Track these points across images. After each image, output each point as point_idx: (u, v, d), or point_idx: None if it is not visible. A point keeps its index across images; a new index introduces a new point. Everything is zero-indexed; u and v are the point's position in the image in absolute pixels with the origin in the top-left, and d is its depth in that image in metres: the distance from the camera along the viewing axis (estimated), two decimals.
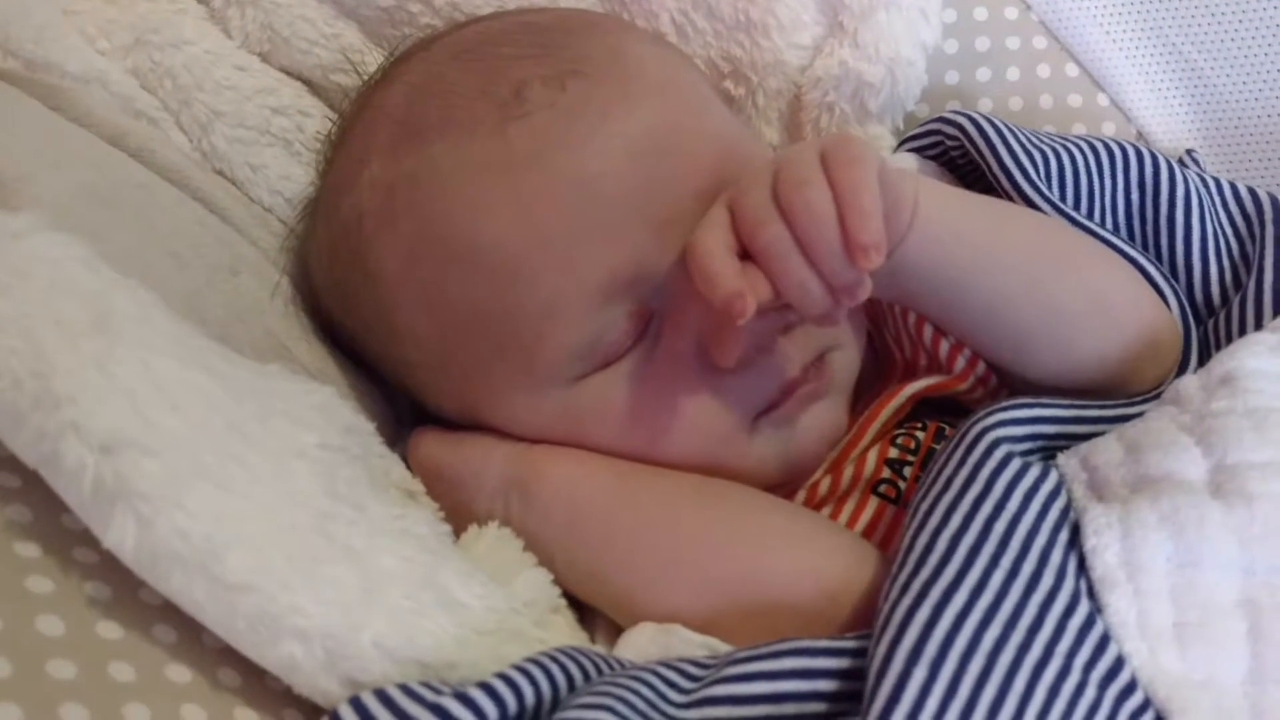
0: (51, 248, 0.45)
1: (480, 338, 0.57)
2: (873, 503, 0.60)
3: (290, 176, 0.72)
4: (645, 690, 0.44)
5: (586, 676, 0.45)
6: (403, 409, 0.67)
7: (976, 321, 0.59)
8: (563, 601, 0.54)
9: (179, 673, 0.44)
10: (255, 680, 0.45)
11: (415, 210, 0.58)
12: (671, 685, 0.45)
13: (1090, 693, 0.43)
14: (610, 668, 0.46)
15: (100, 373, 0.42)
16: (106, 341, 0.43)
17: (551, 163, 0.55)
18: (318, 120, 0.73)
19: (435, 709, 0.41)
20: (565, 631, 0.52)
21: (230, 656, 0.44)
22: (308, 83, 0.75)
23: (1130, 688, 0.44)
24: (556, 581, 0.55)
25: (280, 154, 0.72)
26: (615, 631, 0.54)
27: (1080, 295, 0.59)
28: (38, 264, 0.44)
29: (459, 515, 0.57)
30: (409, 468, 0.59)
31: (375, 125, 0.61)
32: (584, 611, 0.57)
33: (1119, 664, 0.44)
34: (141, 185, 0.60)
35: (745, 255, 0.52)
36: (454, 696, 0.41)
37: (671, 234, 0.56)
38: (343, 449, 0.47)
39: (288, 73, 0.75)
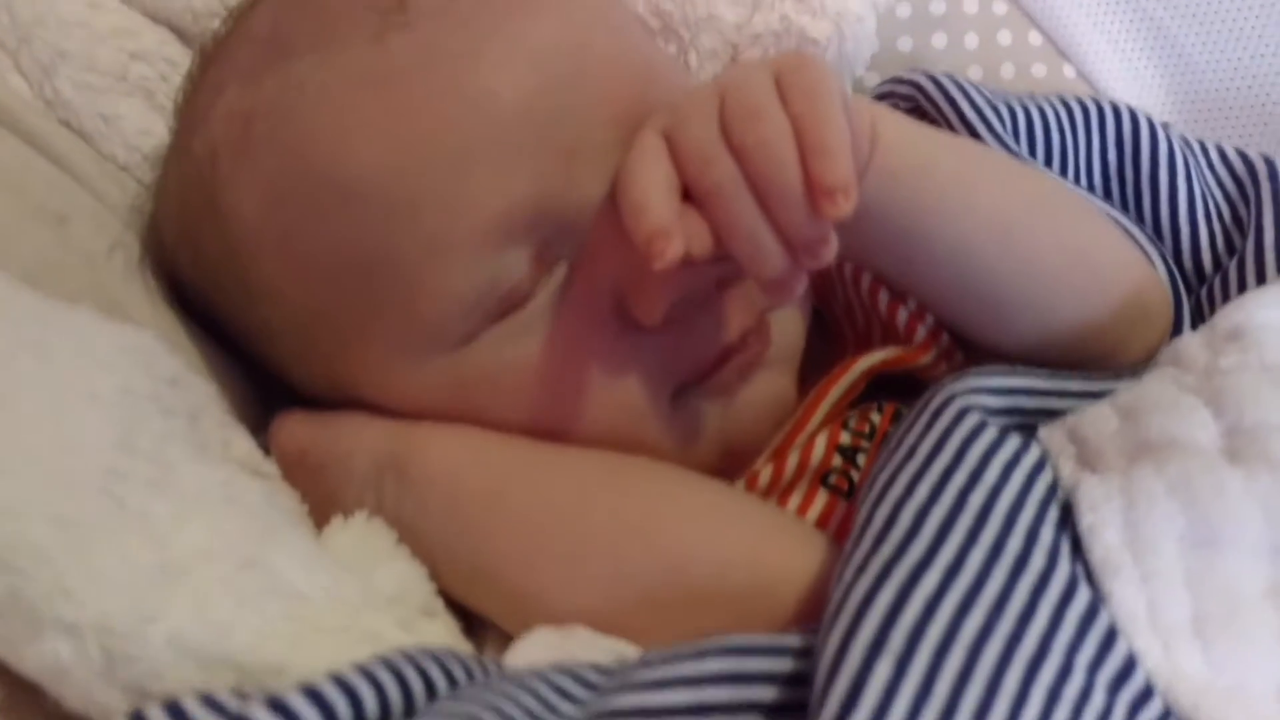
0: None
1: (351, 290, 0.48)
2: (822, 496, 0.51)
3: (151, 131, 0.62)
4: (528, 699, 0.34)
5: (453, 683, 0.35)
6: (277, 397, 0.57)
7: (942, 278, 0.50)
8: (440, 604, 0.45)
9: None
10: (23, 696, 0.34)
11: (275, 139, 0.49)
12: (564, 694, 0.35)
13: (1098, 698, 0.34)
14: (486, 673, 0.36)
15: None
16: None
17: (437, 75, 0.47)
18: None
19: None
20: (442, 641, 0.42)
21: None
22: (177, 32, 0.66)
23: (1146, 694, 0.35)
24: (438, 586, 0.45)
25: (139, 105, 0.62)
26: (508, 644, 0.45)
27: (1060, 248, 0.51)
28: None
29: (325, 508, 0.48)
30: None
31: (237, 49, 0.53)
32: (472, 622, 0.47)
33: (1130, 664, 0.36)
34: None
35: (686, 197, 0.44)
36: (266, 704, 0.31)
37: (582, 165, 0.47)
38: (154, 398, 0.37)
39: (153, 19, 0.65)
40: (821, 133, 0.41)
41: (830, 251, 0.43)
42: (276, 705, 0.31)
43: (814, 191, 0.41)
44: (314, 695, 0.32)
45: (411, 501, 0.47)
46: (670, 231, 0.41)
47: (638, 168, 0.43)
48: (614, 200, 0.45)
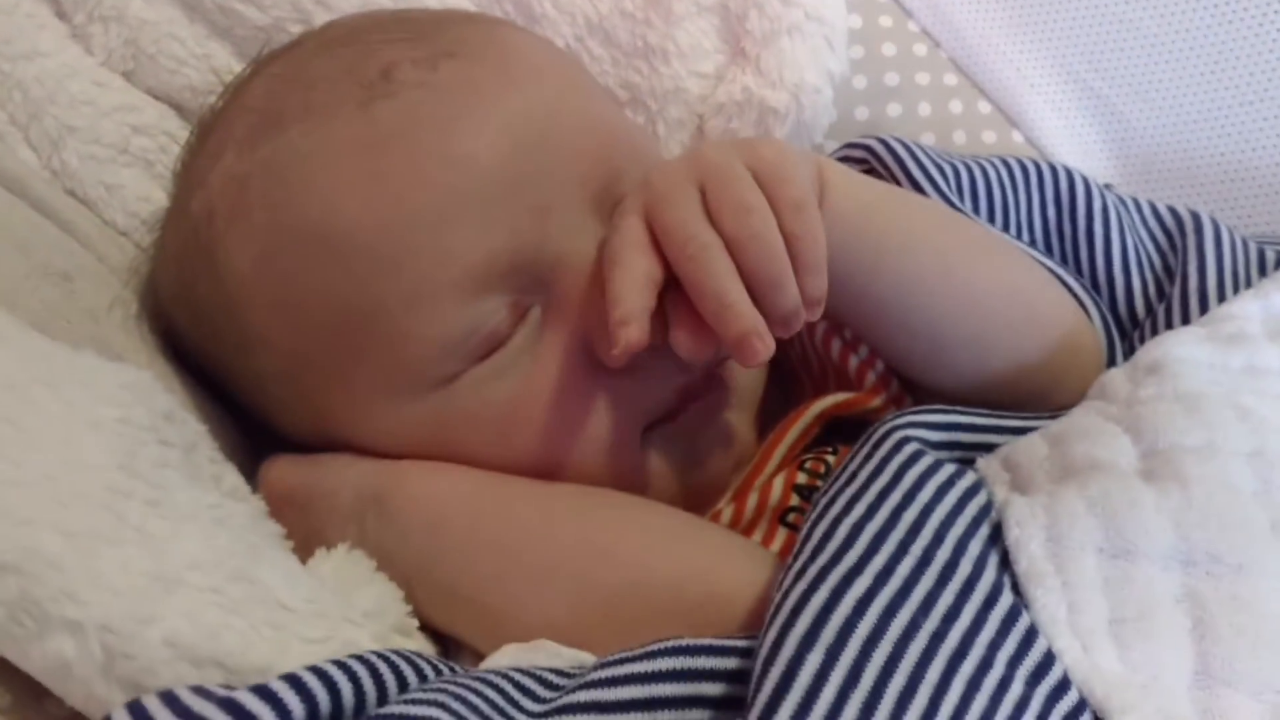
0: None
1: (339, 337, 0.52)
2: (781, 533, 0.54)
3: (150, 198, 0.66)
4: (492, 693, 0.37)
5: (423, 679, 0.38)
6: (262, 445, 0.60)
7: (887, 313, 0.54)
8: (414, 624, 0.47)
9: None
10: (28, 699, 0.37)
11: (269, 199, 0.52)
12: (526, 692, 0.38)
13: (1016, 688, 0.37)
14: (455, 672, 0.39)
15: None
16: None
17: (419, 140, 0.51)
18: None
19: (226, 704, 0.33)
20: None
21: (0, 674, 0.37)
22: (177, 108, 0.70)
23: (1063, 686, 0.38)
24: (415, 612, 0.48)
25: (140, 175, 0.66)
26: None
27: (996, 287, 0.55)
28: None
29: (309, 545, 0.50)
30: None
31: (233, 120, 0.57)
32: (446, 650, 0.50)
33: (1048, 660, 0.39)
34: None
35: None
36: (251, 690, 0.34)
37: (553, 220, 0.51)
38: (152, 429, 0.41)
39: (154, 96, 0.70)
40: (814, 252, 0.47)
41: (799, 322, 0.47)
42: (261, 691, 0.34)
43: (805, 299, 0.47)
44: (295, 682, 0.34)
45: (392, 531, 0.50)
46: (630, 321, 0.45)
47: (623, 256, 0.47)
48: (599, 262, 0.49)
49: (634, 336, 0.45)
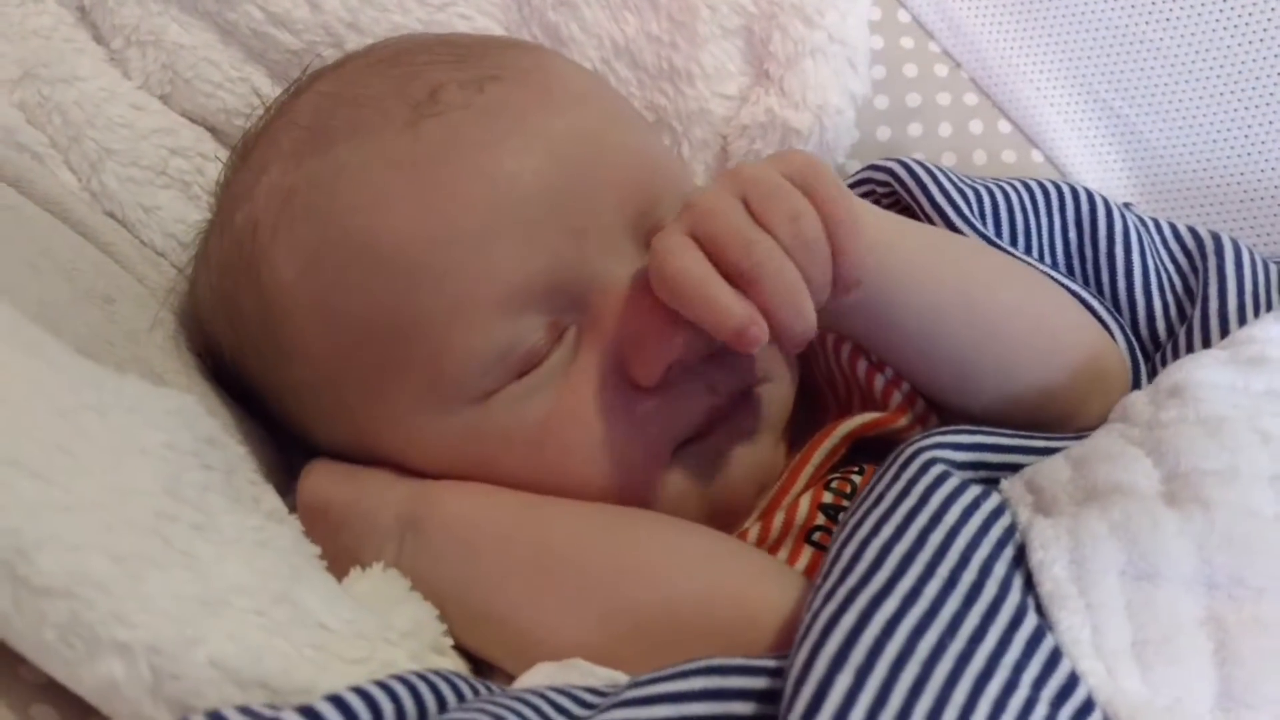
0: None
1: (378, 349, 0.53)
2: (807, 552, 0.54)
3: (186, 220, 0.68)
4: (529, 712, 0.38)
5: (461, 698, 0.39)
6: (297, 462, 0.61)
7: (912, 342, 0.55)
8: (449, 644, 0.48)
9: None
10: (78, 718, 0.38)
11: (314, 211, 0.53)
12: (562, 711, 0.39)
13: (1041, 710, 0.37)
14: (491, 692, 0.40)
15: None
16: None
17: (463, 158, 0.52)
18: (220, 167, 0.69)
19: None
20: None
21: (50, 693, 0.38)
22: (212, 130, 0.72)
23: (1087, 708, 0.38)
24: (449, 632, 0.49)
25: (177, 196, 0.68)
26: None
27: (1019, 314, 0.55)
28: None
29: (343, 562, 0.51)
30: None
31: (279, 135, 0.58)
32: (479, 670, 0.51)
33: (1072, 682, 0.39)
34: (9, 206, 0.55)
35: None
36: (296, 710, 0.35)
37: (591, 243, 0.53)
38: (195, 454, 0.42)
39: (190, 118, 0.72)
40: (854, 242, 0.48)
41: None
42: (306, 712, 0.35)
43: (843, 283, 0.49)
44: (339, 703, 0.36)
45: (427, 552, 0.50)
46: (757, 319, 0.46)
47: (678, 263, 0.47)
48: (634, 285, 0.51)
49: (765, 333, 0.47)
